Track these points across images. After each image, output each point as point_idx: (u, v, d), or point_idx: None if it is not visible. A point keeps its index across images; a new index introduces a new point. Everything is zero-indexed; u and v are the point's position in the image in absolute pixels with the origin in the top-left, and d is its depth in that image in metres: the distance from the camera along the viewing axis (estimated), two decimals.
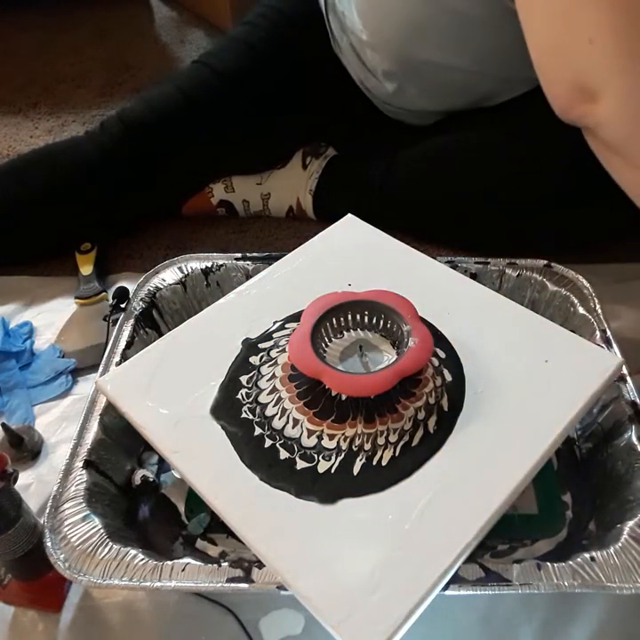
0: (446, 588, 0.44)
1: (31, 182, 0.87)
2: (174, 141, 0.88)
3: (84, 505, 0.51)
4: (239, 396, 0.53)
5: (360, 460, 0.48)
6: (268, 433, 0.51)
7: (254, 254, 0.71)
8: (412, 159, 0.87)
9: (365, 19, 0.80)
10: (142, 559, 0.47)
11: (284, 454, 0.49)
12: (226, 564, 0.47)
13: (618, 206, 0.61)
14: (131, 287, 0.70)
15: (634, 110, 0.50)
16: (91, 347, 0.75)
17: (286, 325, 0.58)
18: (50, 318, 0.82)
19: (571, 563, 0.46)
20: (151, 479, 0.58)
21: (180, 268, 0.70)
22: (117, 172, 0.87)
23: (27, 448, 0.65)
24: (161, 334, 0.68)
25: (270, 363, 0.55)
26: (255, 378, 0.54)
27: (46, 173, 0.87)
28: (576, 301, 0.65)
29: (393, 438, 0.49)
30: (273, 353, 0.56)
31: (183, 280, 0.70)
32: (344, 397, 0.50)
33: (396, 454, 0.48)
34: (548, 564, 0.46)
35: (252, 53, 0.88)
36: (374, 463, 0.48)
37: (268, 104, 0.89)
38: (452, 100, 0.85)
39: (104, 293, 0.82)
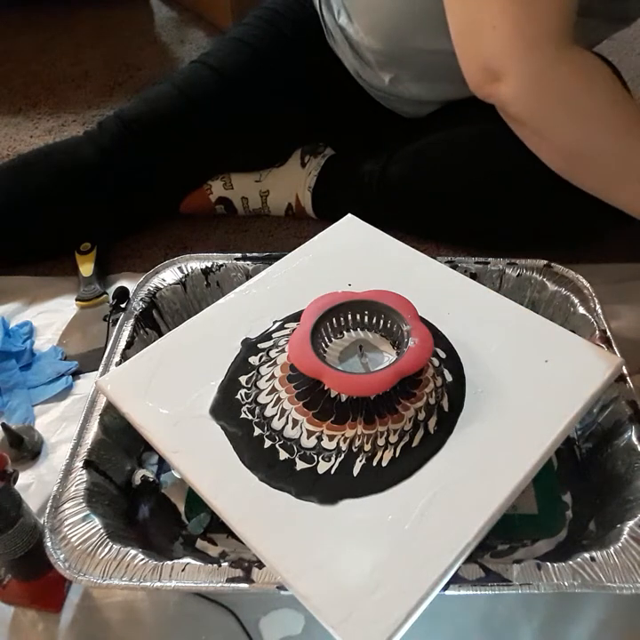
0: (446, 587, 0.44)
1: (30, 183, 0.87)
2: (173, 140, 0.88)
3: (83, 505, 0.51)
4: (238, 397, 0.53)
5: (360, 460, 0.48)
6: (268, 433, 0.50)
7: (254, 254, 0.71)
8: (408, 155, 0.88)
9: (357, 13, 0.82)
10: (142, 559, 0.47)
11: (283, 455, 0.49)
12: (226, 563, 0.47)
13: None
14: (131, 287, 0.70)
15: (531, 91, 0.59)
16: (93, 351, 0.75)
17: (286, 325, 0.58)
18: (50, 318, 0.82)
19: (571, 563, 0.46)
20: (151, 479, 0.58)
21: (180, 268, 0.71)
22: (116, 171, 0.87)
23: (27, 448, 0.65)
24: (161, 334, 0.68)
25: (269, 363, 0.55)
26: (254, 378, 0.54)
27: (45, 174, 0.87)
28: (576, 301, 0.65)
29: (393, 439, 0.49)
30: (272, 353, 0.56)
31: (183, 280, 0.70)
32: (344, 398, 0.50)
33: (397, 455, 0.48)
34: (548, 563, 0.46)
35: (249, 51, 0.88)
36: (374, 464, 0.48)
37: (266, 101, 0.89)
38: (446, 86, 0.85)
39: (105, 295, 0.82)
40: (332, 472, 0.48)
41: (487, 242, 0.86)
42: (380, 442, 0.49)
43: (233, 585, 0.46)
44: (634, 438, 0.54)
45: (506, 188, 0.81)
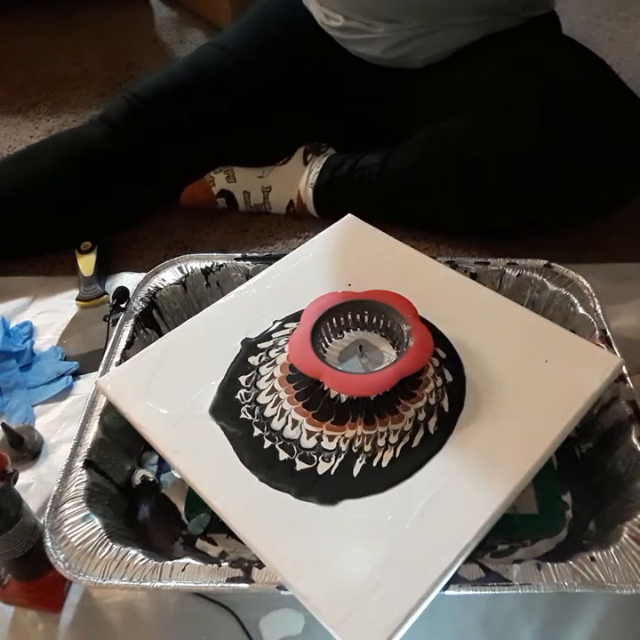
0: (446, 587, 0.44)
1: (38, 163, 0.88)
2: (181, 109, 0.90)
3: (83, 505, 0.51)
4: (238, 397, 0.53)
5: (360, 461, 0.48)
6: (268, 434, 0.50)
7: (254, 254, 0.71)
8: (408, 147, 0.88)
9: None
10: (142, 559, 0.47)
11: (283, 455, 0.49)
12: (226, 563, 0.47)
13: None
14: (131, 287, 0.70)
15: None
16: (93, 351, 0.75)
17: (286, 325, 0.58)
18: (50, 318, 0.82)
19: (571, 563, 0.46)
20: (151, 479, 0.58)
21: (180, 268, 0.71)
22: (125, 146, 0.88)
23: (27, 448, 0.65)
24: (161, 334, 0.68)
25: (269, 363, 0.55)
26: (254, 378, 0.54)
27: (53, 154, 0.88)
28: (576, 301, 0.65)
29: (393, 439, 0.49)
30: (272, 353, 0.56)
31: (183, 280, 0.70)
32: (344, 399, 0.50)
33: (397, 455, 0.48)
34: (548, 564, 0.46)
35: (251, 33, 0.94)
36: (374, 464, 0.48)
37: (267, 77, 0.92)
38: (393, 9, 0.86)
39: (105, 296, 0.82)
40: (332, 472, 0.48)
41: (487, 228, 0.87)
42: (380, 442, 0.49)
43: (233, 585, 0.46)
44: (634, 438, 0.54)
45: (503, 171, 0.81)
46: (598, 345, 0.59)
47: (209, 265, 0.71)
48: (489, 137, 0.81)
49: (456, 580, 0.45)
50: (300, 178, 0.93)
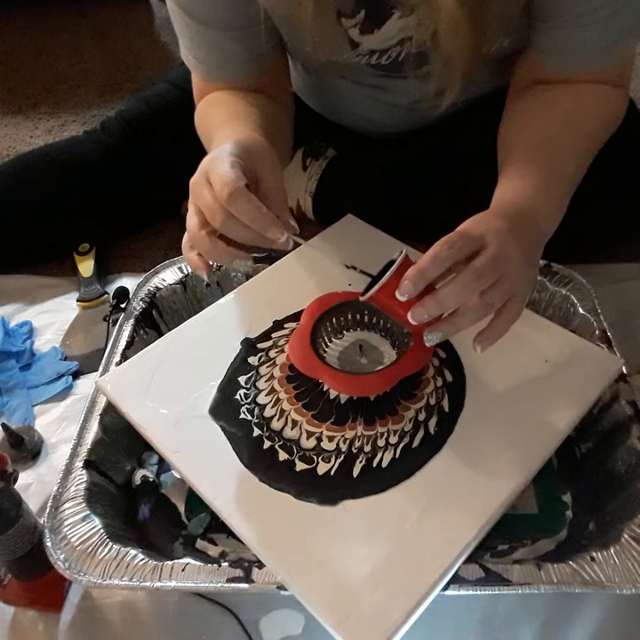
0: (446, 587, 0.44)
1: (32, 182, 0.87)
2: (174, 134, 0.89)
3: (83, 505, 0.51)
4: (237, 397, 0.53)
5: (360, 462, 0.48)
6: (267, 434, 0.50)
7: (254, 254, 0.71)
8: (408, 160, 0.88)
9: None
10: (142, 559, 0.47)
11: (283, 456, 0.49)
12: (226, 563, 0.47)
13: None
14: (131, 287, 0.70)
15: None
16: (95, 351, 0.75)
17: (285, 325, 0.58)
18: (50, 318, 0.82)
19: (571, 563, 0.46)
20: (151, 479, 0.58)
21: (180, 268, 0.71)
22: (121, 171, 0.88)
23: (27, 448, 0.65)
24: (161, 334, 0.68)
25: (269, 363, 0.55)
26: (254, 378, 0.54)
27: (47, 173, 0.88)
28: (576, 301, 0.65)
29: (393, 440, 0.49)
30: (271, 353, 0.56)
31: (183, 280, 0.70)
32: (343, 399, 0.50)
33: (397, 456, 0.48)
34: (548, 564, 0.46)
35: None
36: (374, 465, 0.48)
37: None
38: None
39: (106, 296, 0.82)
40: (332, 473, 0.48)
41: None
42: (380, 443, 0.49)
43: (233, 585, 0.46)
44: (634, 438, 0.54)
45: None
46: (598, 345, 0.59)
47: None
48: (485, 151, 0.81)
49: (456, 579, 0.45)
50: (298, 185, 0.92)
